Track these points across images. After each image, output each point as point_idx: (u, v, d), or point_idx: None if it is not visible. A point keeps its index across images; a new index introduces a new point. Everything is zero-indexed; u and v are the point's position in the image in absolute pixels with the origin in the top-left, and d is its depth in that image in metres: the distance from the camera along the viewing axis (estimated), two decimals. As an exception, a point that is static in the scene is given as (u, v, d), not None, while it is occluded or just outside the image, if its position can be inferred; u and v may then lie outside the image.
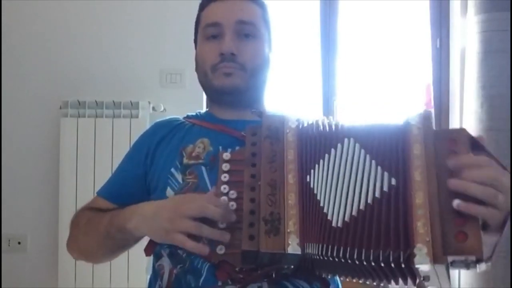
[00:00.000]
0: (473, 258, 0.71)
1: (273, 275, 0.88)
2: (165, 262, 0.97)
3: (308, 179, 0.85)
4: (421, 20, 2.42)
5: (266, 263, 0.82)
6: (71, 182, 2.20)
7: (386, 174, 0.79)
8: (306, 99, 2.50)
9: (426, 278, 0.75)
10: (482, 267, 0.72)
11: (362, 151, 0.82)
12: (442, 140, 0.78)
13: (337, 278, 0.99)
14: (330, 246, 0.79)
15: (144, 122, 2.20)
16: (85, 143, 2.22)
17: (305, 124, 0.90)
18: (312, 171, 0.85)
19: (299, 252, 0.80)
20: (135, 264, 2.16)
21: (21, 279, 2.31)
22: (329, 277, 0.94)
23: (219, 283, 0.90)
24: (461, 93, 2.21)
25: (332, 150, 0.85)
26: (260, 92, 1.10)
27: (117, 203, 1.05)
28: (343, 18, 2.44)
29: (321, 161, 0.85)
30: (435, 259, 0.71)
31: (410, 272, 0.75)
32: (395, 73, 2.47)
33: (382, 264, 0.75)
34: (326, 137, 0.87)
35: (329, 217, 0.81)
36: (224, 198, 0.88)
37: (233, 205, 0.87)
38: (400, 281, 0.77)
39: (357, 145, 0.83)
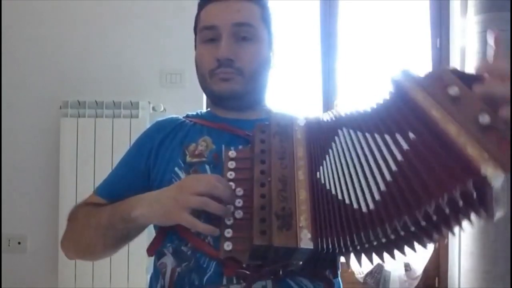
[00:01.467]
0: None
1: (280, 272, 0.88)
2: (168, 260, 0.95)
3: (318, 176, 0.84)
4: (421, 20, 2.42)
5: (274, 259, 0.82)
6: (71, 182, 2.20)
7: (398, 136, 0.75)
8: (306, 99, 2.50)
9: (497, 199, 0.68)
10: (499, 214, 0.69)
11: (359, 133, 0.82)
12: (431, 82, 0.77)
13: (339, 279, 0.98)
14: (362, 233, 0.74)
15: (144, 122, 2.20)
16: (85, 143, 2.22)
17: (312, 122, 0.91)
18: (321, 167, 0.85)
19: (311, 247, 0.79)
20: (135, 264, 2.16)
21: (21, 279, 2.31)
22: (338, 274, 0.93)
23: (224, 282, 0.89)
24: (461, 93, 2.21)
25: (333, 144, 0.85)
26: (260, 94, 1.09)
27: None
28: (343, 18, 2.44)
29: (327, 156, 0.85)
30: (504, 168, 0.64)
31: (482, 201, 0.67)
32: (395, 73, 2.47)
33: (447, 211, 0.68)
34: (326, 133, 0.88)
35: (355, 206, 0.76)
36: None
37: (239, 202, 0.87)
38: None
39: (351, 131, 0.83)
